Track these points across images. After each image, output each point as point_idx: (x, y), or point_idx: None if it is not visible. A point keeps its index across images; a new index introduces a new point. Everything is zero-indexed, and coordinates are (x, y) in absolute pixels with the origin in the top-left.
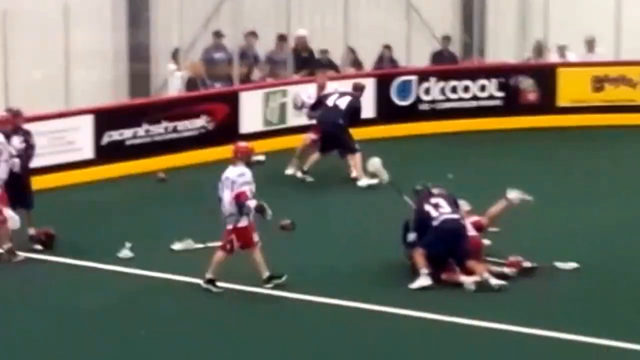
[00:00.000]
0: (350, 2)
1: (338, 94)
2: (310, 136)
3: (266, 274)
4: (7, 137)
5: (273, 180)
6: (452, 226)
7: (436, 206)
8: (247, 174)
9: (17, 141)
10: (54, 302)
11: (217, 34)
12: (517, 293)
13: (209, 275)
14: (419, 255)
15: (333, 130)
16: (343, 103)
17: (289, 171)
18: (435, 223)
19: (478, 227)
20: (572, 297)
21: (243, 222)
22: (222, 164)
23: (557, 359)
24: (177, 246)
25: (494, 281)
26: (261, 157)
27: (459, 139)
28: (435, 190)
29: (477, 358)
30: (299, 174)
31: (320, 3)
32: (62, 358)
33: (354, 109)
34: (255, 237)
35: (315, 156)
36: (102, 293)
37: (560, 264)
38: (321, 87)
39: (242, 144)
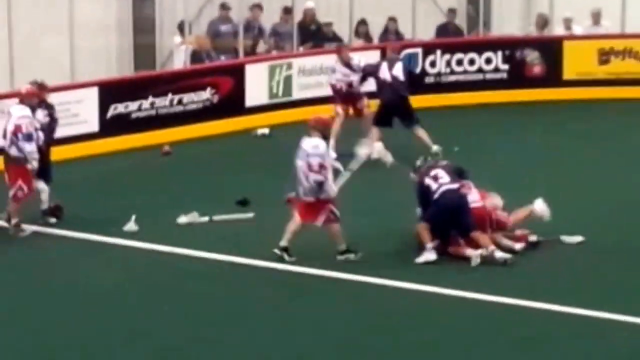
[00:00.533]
0: None
1: (387, 63)
2: (339, 109)
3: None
4: (32, 110)
5: (278, 154)
6: (451, 196)
7: (435, 178)
8: (322, 146)
9: (41, 115)
10: (64, 277)
11: (223, 6)
12: (523, 266)
13: (343, 247)
14: (423, 230)
15: (399, 102)
16: (400, 72)
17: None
18: (435, 196)
19: (502, 225)
20: (576, 270)
21: (324, 194)
22: (227, 137)
23: (561, 333)
24: (182, 220)
25: (499, 254)
26: (266, 131)
27: (465, 112)
28: (435, 163)
29: (482, 332)
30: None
31: None
32: (78, 335)
33: (412, 74)
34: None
35: (376, 133)
36: (110, 268)
37: (566, 238)
38: (346, 61)
39: (322, 115)
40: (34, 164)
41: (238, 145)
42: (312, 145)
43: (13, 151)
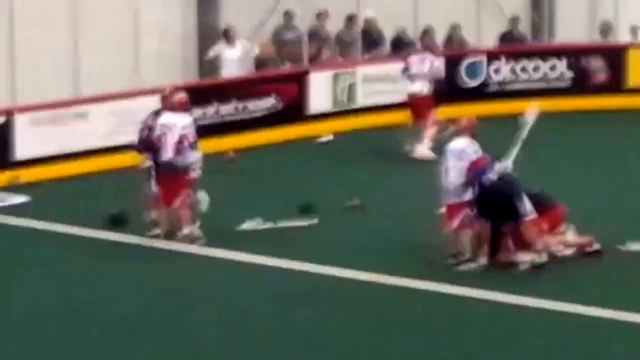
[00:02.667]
0: None
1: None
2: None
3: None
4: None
5: (342, 160)
6: (497, 183)
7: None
8: (476, 144)
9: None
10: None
11: (287, 14)
12: (577, 271)
13: (466, 256)
14: (483, 233)
15: None
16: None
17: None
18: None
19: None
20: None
21: (468, 195)
22: (291, 144)
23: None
24: (246, 225)
25: (542, 259)
26: (330, 137)
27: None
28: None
29: (526, 339)
30: None
31: None
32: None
33: None
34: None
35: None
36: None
37: (631, 245)
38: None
39: (470, 117)
40: (197, 172)
41: (301, 151)
42: (466, 143)
43: (179, 160)
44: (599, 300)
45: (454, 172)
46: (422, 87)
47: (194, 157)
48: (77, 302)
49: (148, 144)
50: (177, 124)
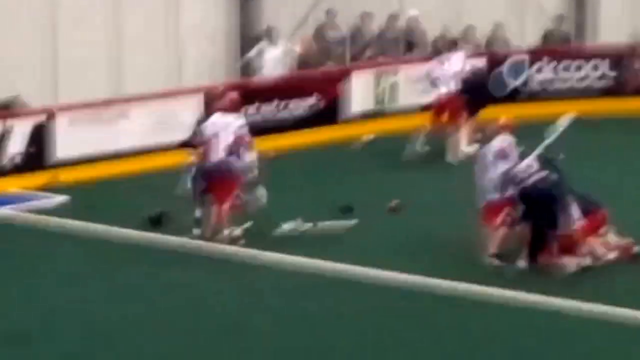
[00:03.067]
0: None
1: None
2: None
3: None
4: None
5: (382, 161)
6: (542, 187)
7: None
8: (509, 139)
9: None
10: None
11: (330, 12)
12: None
13: (494, 251)
14: (525, 233)
15: None
16: None
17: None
18: (524, 185)
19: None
20: None
21: (510, 191)
22: (332, 144)
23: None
24: (287, 226)
25: (587, 262)
26: (371, 137)
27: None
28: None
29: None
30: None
31: None
32: None
33: None
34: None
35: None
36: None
37: None
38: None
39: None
40: (254, 172)
41: (342, 152)
42: (508, 142)
43: (233, 160)
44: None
45: (493, 170)
46: (447, 89)
47: (250, 157)
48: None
49: (199, 143)
50: (232, 125)
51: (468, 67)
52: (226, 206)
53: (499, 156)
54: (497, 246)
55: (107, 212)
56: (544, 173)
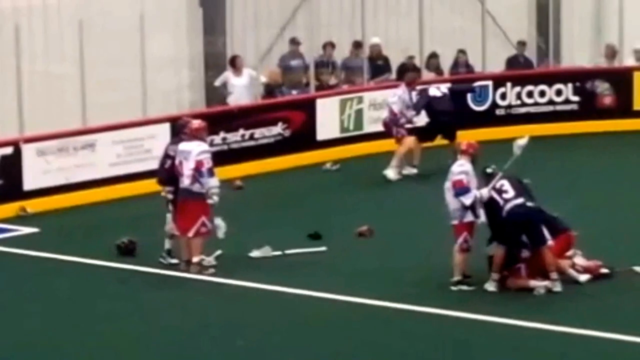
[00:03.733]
0: (425, 8)
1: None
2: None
3: (457, 277)
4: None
5: (350, 187)
6: (519, 211)
7: (500, 191)
8: (466, 166)
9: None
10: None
11: (294, 41)
12: (584, 297)
13: (456, 278)
14: (498, 257)
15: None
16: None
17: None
18: (503, 214)
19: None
20: None
21: (469, 217)
22: (299, 171)
23: None
24: (255, 253)
25: (558, 288)
26: (336, 166)
27: (536, 144)
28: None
29: None
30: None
31: (395, 8)
32: None
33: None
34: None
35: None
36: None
37: (638, 268)
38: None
39: (469, 140)
40: (214, 199)
41: (309, 178)
42: (457, 164)
43: (196, 187)
44: (620, 326)
45: (449, 194)
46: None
47: (211, 183)
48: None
49: (169, 174)
50: (194, 151)
51: (433, 92)
52: (191, 234)
53: (454, 185)
54: (458, 272)
55: (77, 242)
56: (520, 200)
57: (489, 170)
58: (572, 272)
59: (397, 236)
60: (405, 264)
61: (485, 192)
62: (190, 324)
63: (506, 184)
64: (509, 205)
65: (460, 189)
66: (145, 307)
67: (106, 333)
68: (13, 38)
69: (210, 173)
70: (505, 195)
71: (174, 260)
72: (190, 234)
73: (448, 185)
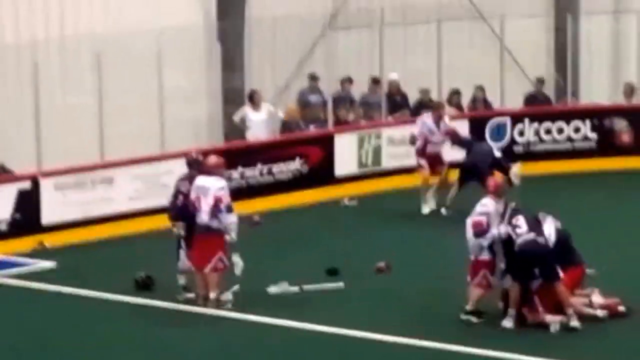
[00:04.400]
0: (444, 44)
1: None
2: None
3: (469, 307)
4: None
5: (368, 223)
6: (530, 248)
7: (514, 227)
8: (488, 206)
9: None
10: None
11: (312, 77)
12: (603, 334)
13: (469, 307)
14: (514, 293)
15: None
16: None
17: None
18: (515, 248)
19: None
20: None
21: (486, 256)
22: (317, 207)
23: None
24: (273, 289)
25: (575, 323)
26: (353, 202)
27: (553, 181)
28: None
29: None
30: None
31: (413, 44)
32: None
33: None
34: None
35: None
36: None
37: None
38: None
39: (496, 179)
40: (233, 235)
41: (327, 214)
42: (481, 204)
43: (214, 223)
44: None
45: (470, 230)
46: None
47: (230, 219)
48: None
49: (181, 210)
50: (212, 187)
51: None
52: (208, 269)
53: (474, 226)
54: (472, 304)
55: (95, 277)
56: (531, 235)
57: (512, 204)
58: (588, 310)
59: (416, 272)
60: (423, 300)
61: (502, 229)
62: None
63: (521, 219)
64: (520, 240)
65: (479, 231)
66: (163, 342)
67: None
68: (31, 72)
69: (229, 209)
70: (518, 230)
71: (190, 295)
72: (207, 269)
73: (470, 221)
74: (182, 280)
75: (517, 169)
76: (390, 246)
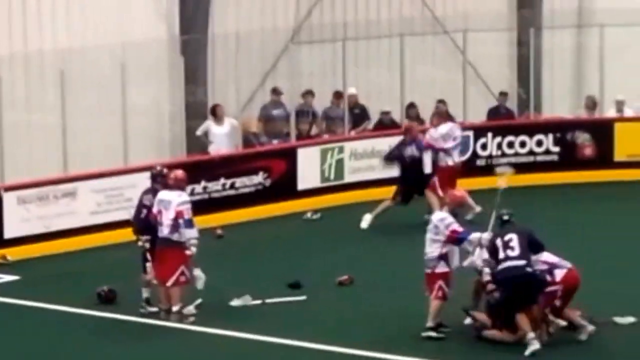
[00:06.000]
0: (407, 58)
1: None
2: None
3: (430, 323)
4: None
5: (330, 236)
6: (515, 274)
7: (506, 246)
8: (449, 219)
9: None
10: None
11: (275, 91)
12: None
13: (429, 324)
14: (521, 319)
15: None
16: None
17: None
18: (499, 267)
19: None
20: (627, 352)
21: (442, 268)
22: (280, 220)
23: None
24: (235, 302)
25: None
26: (317, 215)
27: (516, 194)
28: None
29: None
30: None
31: (376, 58)
32: None
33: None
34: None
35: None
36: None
37: (618, 319)
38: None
39: (457, 192)
40: (193, 250)
41: (290, 228)
42: (439, 218)
43: (175, 237)
44: None
45: (428, 243)
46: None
47: (190, 234)
48: None
49: (145, 223)
50: (174, 201)
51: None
52: (170, 283)
53: (433, 231)
54: (432, 319)
55: (57, 290)
56: (522, 262)
57: (505, 217)
58: (579, 319)
59: (378, 285)
60: (385, 313)
61: (486, 235)
62: None
63: (515, 240)
64: (508, 263)
65: (460, 236)
66: (126, 355)
67: None
68: None
69: (190, 224)
70: (509, 252)
71: (154, 309)
72: (169, 283)
73: (430, 236)
74: (145, 293)
75: (503, 170)
76: (352, 259)
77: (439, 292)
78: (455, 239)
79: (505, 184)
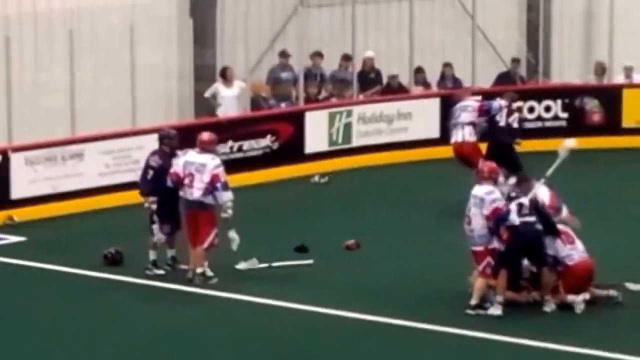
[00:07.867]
0: (416, 21)
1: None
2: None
3: (474, 301)
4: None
5: (338, 200)
6: (529, 230)
7: (520, 206)
8: (496, 192)
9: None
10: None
11: (283, 54)
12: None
13: (474, 302)
14: (501, 279)
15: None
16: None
17: None
18: (515, 223)
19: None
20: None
21: (494, 244)
22: (287, 184)
23: None
24: (242, 265)
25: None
26: (325, 179)
27: (524, 159)
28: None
29: None
30: None
31: (385, 21)
32: None
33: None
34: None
35: None
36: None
37: (630, 285)
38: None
39: (490, 164)
40: (229, 212)
41: (297, 191)
42: (484, 191)
43: (208, 199)
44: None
45: (475, 220)
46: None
47: (227, 197)
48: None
49: (152, 185)
50: (209, 164)
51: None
52: (204, 247)
53: (478, 205)
54: (477, 296)
55: (64, 252)
56: (532, 218)
57: (512, 194)
58: (600, 291)
59: (384, 250)
60: (391, 277)
61: (515, 219)
62: (175, 336)
63: (525, 204)
64: (524, 219)
65: (502, 215)
66: (131, 317)
67: (90, 343)
68: (3, 47)
69: (226, 187)
70: (524, 211)
71: (160, 271)
72: (205, 245)
73: (474, 211)
74: (152, 255)
75: (569, 143)
76: (360, 224)
77: (487, 269)
78: (499, 217)
79: (567, 152)
